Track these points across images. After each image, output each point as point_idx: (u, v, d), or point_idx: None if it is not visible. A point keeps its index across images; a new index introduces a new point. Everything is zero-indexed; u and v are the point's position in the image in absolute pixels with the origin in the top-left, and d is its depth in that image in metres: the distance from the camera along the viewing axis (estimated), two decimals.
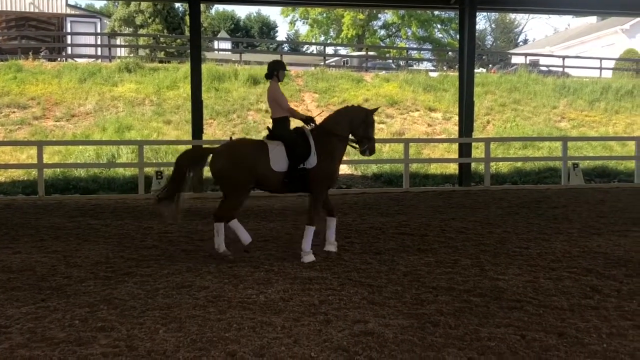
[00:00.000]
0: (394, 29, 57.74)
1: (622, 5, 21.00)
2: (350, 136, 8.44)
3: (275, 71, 8.51)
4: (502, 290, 6.50)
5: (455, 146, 20.42)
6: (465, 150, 18.39)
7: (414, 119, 25.26)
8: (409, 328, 5.33)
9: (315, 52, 51.61)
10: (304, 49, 56.33)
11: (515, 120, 25.66)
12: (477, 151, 21.50)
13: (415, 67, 39.75)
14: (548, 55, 43.53)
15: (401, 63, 38.71)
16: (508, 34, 68.76)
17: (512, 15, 66.87)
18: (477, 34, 64.96)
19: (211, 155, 8.23)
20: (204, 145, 7.52)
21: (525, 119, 25.89)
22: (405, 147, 17.73)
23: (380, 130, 23.95)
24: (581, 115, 26.98)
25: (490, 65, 41.92)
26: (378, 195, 16.20)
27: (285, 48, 56.19)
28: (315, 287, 6.67)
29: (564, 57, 38.39)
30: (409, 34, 54.68)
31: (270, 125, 8.50)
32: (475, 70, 34.75)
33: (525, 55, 39.52)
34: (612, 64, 38.78)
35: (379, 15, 55.04)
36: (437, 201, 14.64)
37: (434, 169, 21.13)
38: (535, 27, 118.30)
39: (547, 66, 38.88)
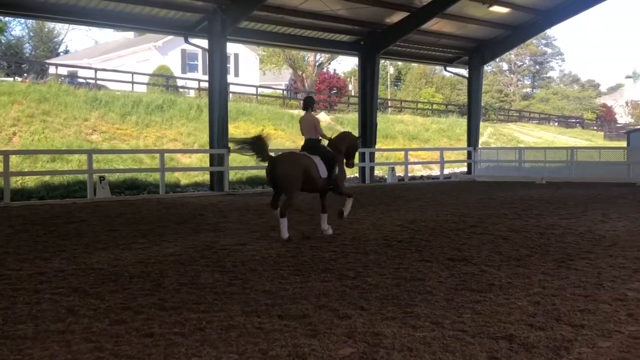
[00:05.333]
0: None
1: (154, 22, 21.28)
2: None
3: (316, 105, 11.63)
4: None
5: None
6: None
7: None
8: None
9: None
10: None
11: (44, 132, 24.61)
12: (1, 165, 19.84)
13: None
14: (86, 67, 43.32)
15: None
16: (48, 43, 66.36)
17: (51, 25, 64.71)
18: (13, 41, 61.14)
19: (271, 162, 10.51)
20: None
21: (55, 130, 25.04)
22: None
23: None
24: (113, 128, 27.32)
25: (25, 75, 39.88)
26: None
27: None
28: None
29: (96, 70, 38.57)
30: None
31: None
32: (6, 79, 32.53)
33: (56, 65, 38.75)
34: (146, 79, 40.38)
35: None
36: None
37: None
38: (77, 38, 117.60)
39: (85, 78, 38.62)
